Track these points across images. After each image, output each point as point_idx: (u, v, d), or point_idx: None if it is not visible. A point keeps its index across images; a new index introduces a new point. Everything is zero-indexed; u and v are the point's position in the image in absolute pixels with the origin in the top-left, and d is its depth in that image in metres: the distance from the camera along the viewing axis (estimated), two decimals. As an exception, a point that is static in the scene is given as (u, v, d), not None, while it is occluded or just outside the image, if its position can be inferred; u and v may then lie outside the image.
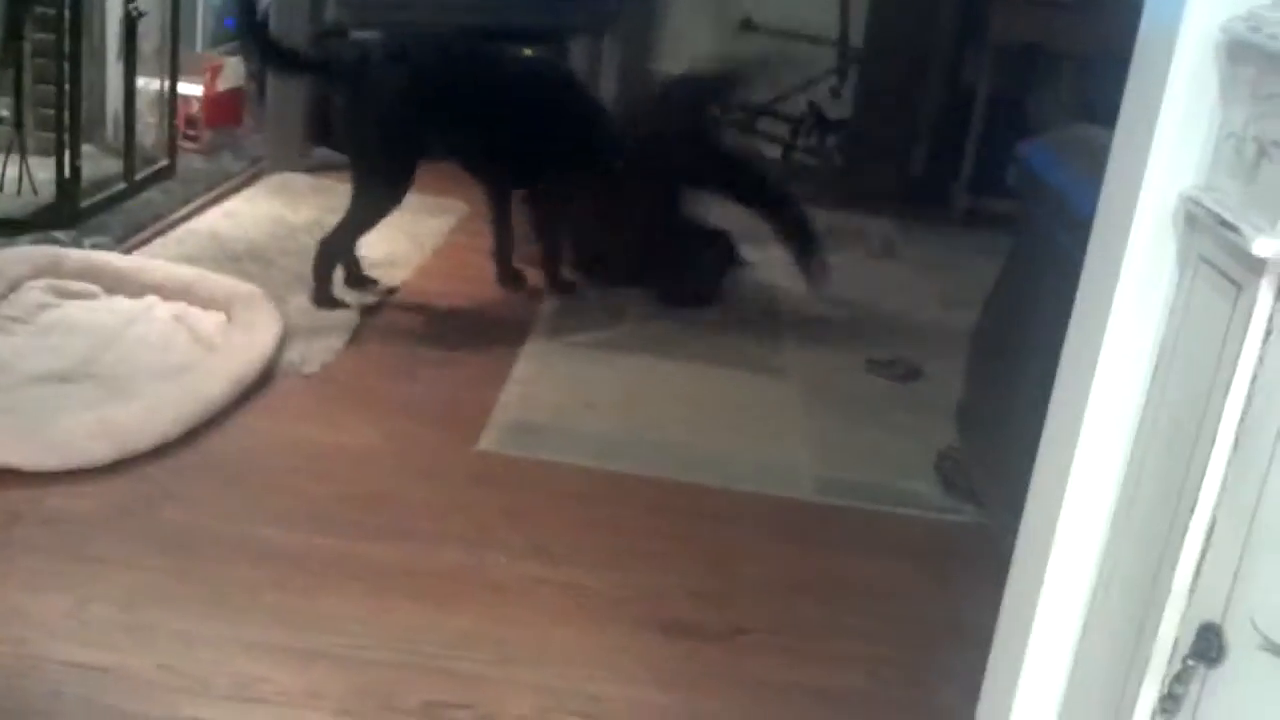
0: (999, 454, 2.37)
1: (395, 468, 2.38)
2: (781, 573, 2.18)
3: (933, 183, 4.75)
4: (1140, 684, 1.19)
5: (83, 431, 2.21)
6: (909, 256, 4.14)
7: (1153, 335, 1.28)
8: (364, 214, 3.06)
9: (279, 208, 3.76)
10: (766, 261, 3.87)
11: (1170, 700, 1.16)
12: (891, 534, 2.36)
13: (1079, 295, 1.40)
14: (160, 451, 2.29)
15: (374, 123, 3.02)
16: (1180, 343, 1.24)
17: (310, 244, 3.41)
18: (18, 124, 3.30)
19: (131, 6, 3.47)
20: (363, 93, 3.03)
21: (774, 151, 5.03)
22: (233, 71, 4.22)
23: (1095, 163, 1.91)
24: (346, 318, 2.98)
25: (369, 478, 2.33)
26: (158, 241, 3.35)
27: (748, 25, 4.89)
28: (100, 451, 2.20)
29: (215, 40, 4.54)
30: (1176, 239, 1.23)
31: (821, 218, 4.39)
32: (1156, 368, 1.29)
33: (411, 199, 3.15)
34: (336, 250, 3.09)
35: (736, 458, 2.57)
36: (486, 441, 2.51)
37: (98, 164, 3.60)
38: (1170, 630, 1.17)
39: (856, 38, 4.87)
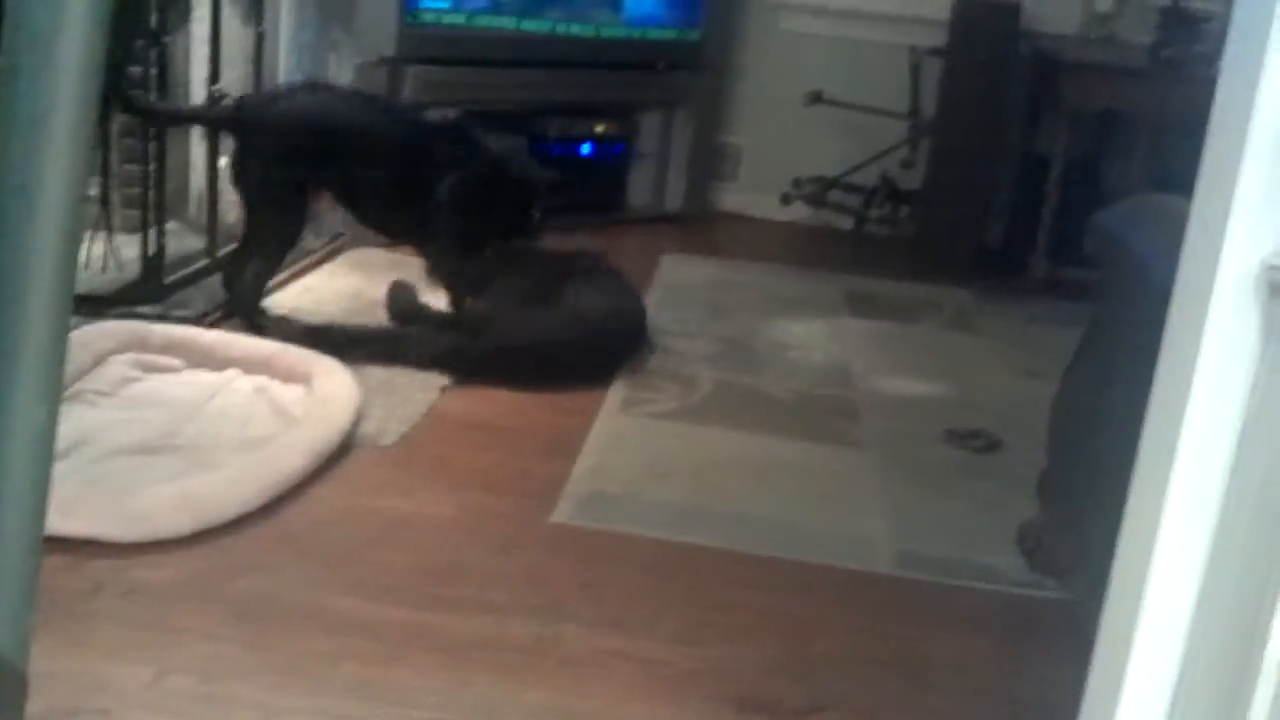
0: (1082, 527, 2.33)
1: (470, 539, 2.39)
2: (860, 648, 2.15)
3: (1009, 252, 4.72)
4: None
5: (164, 504, 2.25)
6: (985, 328, 4.11)
7: (1236, 406, 1.26)
8: (264, 252, 3.31)
9: (357, 282, 3.82)
10: (839, 332, 3.87)
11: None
12: (972, 609, 2.32)
13: (1159, 367, 1.38)
14: (239, 523, 2.31)
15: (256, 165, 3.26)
16: (1265, 413, 1.22)
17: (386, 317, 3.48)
18: (104, 202, 3.39)
19: (214, 89, 3.56)
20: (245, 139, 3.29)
21: (846, 222, 5.03)
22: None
23: (1173, 231, 1.89)
24: (423, 391, 3.01)
25: (444, 549, 2.34)
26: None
27: (818, 98, 4.91)
28: (181, 523, 2.23)
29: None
30: (1259, 308, 1.21)
31: (896, 289, 4.41)
32: (1241, 438, 1.26)
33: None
34: (244, 292, 3.30)
35: (813, 530, 2.55)
36: (561, 513, 2.51)
37: (182, 241, 3.69)
38: (1263, 709, 1.13)
39: (928, 109, 4.87)
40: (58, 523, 2.16)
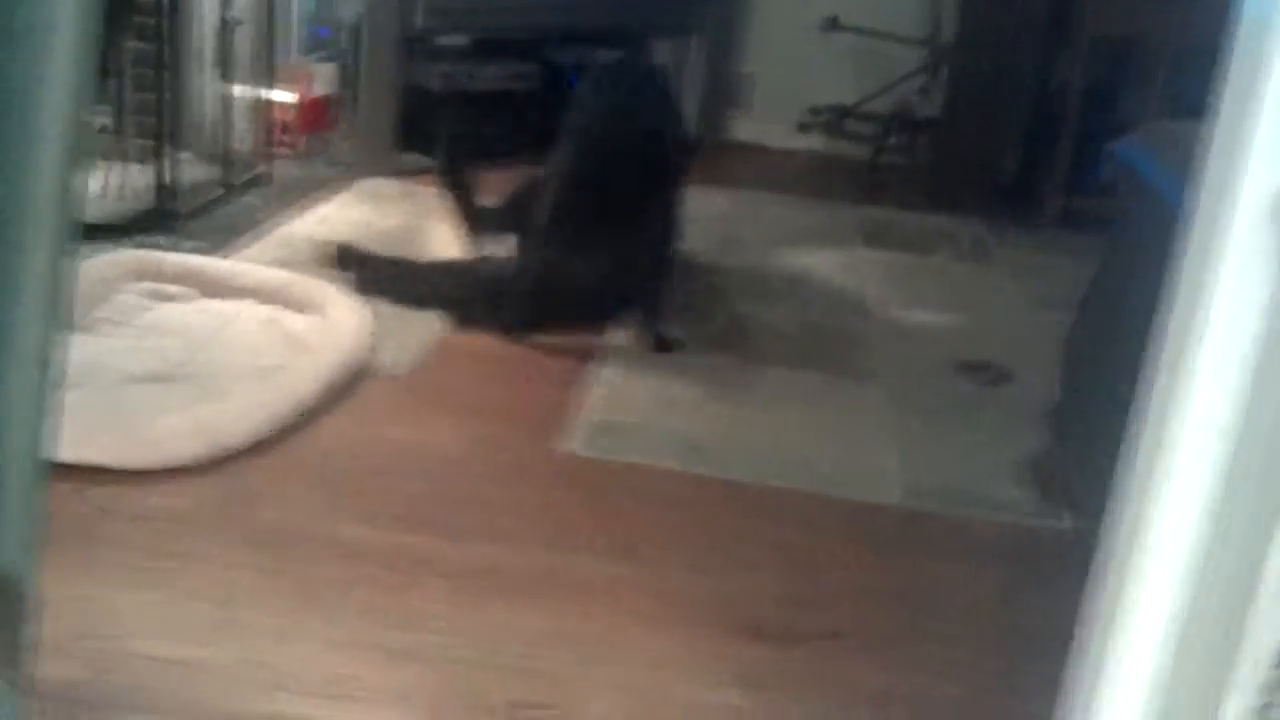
0: (1095, 459, 2.32)
1: (481, 468, 2.39)
2: (871, 579, 2.16)
3: (1024, 182, 4.67)
4: (1230, 693, 1.16)
5: (177, 431, 2.25)
6: (1000, 258, 4.08)
7: (1251, 335, 1.24)
8: None
9: (369, 213, 3.80)
10: (853, 264, 3.85)
11: (1263, 711, 1.12)
12: (985, 540, 2.32)
13: (1172, 291, 1.36)
14: (252, 451, 2.32)
15: None
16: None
17: (398, 246, 3.47)
18: (116, 130, 3.38)
19: (228, 15, 3.53)
20: None
21: (862, 152, 4.98)
22: (325, 79, 4.28)
23: (1190, 157, 1.86)
24: (436, 321, 3.01)
25: (455, 478, 2.35)
26: (254, 246, 3.40)
27: (834, 24, 4.85)
28: (194, 450, 2.24)
29: (308, 48, 4.60)
30: (1277, 235, 1.19)
31: (910, 220, 4.38)
32: (1256, 369, 1.25)
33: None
34: None
35: (824, 462, 2.54)
36: (571, 443, 2.51)
37: (195, 170, 3.68)
38: (1267, 635, 1.13)
39: (946, 35, 4.81)
40: (70, 450, 2.17)
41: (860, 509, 2.39)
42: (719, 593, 2.05)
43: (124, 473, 2.19)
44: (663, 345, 3.05)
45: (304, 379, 2.50)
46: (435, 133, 4.31)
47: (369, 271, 3.18)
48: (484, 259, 3.28)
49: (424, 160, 4.31)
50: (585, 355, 2.96)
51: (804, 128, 4.98)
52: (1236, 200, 1.21)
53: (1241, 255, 1.21)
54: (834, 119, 5.00)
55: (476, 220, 3.34)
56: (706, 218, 4.12)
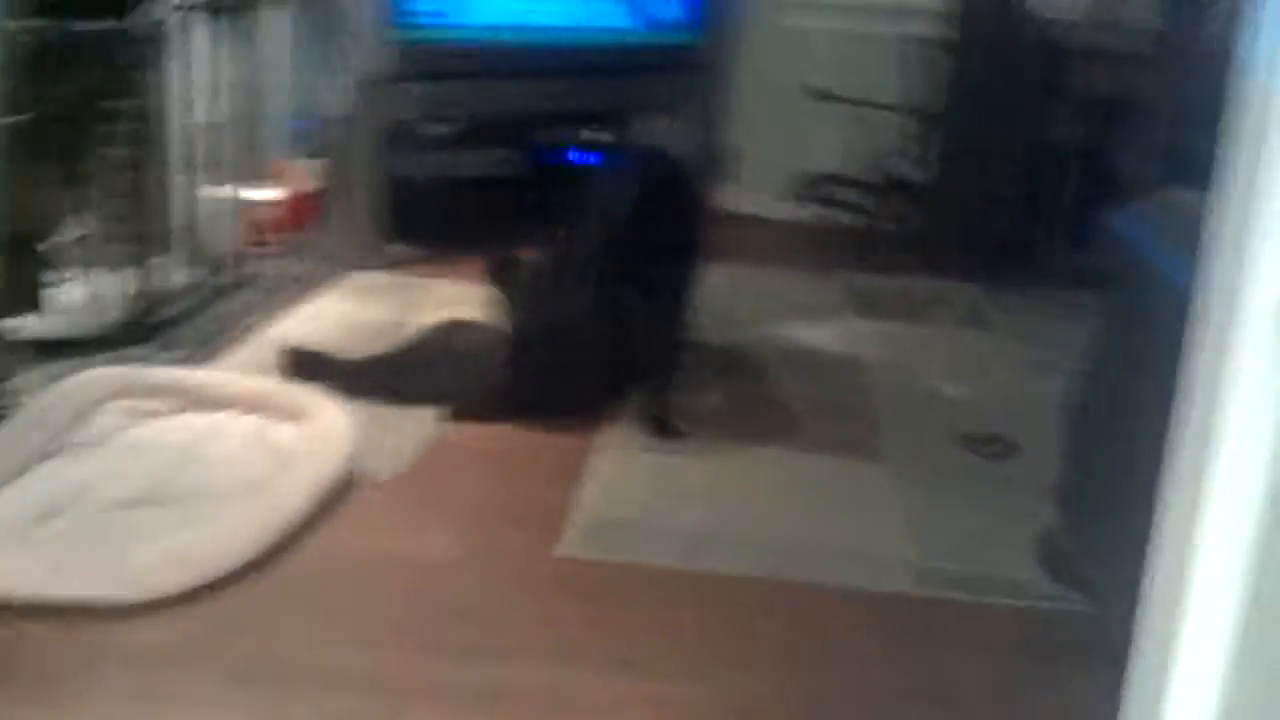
0: (1105, 537, 2.24)
1: (475, 579, 2.31)
2: (885, 676, 2.07)
3: (1020, 244, 4.61)
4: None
5: (159, 561, 2.18)
6: (999, 323, 4.01)
7: (1272, 419, 1.18)
8: None
9: (355, 309, 3.74)
10: (850, 335, 3.79)
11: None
12: (998, 628, 2.24)
13: (1186, 385, 1.29)
14: (237, 575, 2.24)
15: None
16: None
17: (385, 344, 3.40)
18: (89, 240, 3.31)
19: (206, 120, 3.50)
20: None
21: (854, 220, 4.94)
22: (309, 174, 4.24)
23: (1190, 234, 1.80)
24: (420, 421, 2.94)
25: (449, 591, 2.26)
26: (235, 352, 3.33)
27: (823, 95, 4.83)
28: (177, 581, 2.16)
29: (292, 142, 4.58)
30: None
31: (906, 287, 4.32)
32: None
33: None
34: None
35: (830, 549, 2.46)
36: (568, 545, 2.43)
37: (177, 275, 3.61)
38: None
39: (934, 101, 4.78)
40: (51, 586, 2.10)
41: (870, 599, 2.30)
42: (723, 703, 1.96)
43: (107, 609, 2.10)
44: (665, 430, 2.99)
45: (290, 496, 2.43)
46: (424, 224, 4.29)
47: (337, 375, 3.08)
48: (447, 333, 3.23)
49: (412, 251, 4.27)
50: (580, 445, 2.88)
51: (795, 198, 4.94)
52: (1245, 294, 1.14)
53: (1253, 358, 1.14)
54: (825, 188, 4.95)
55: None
56: (699, 293, 4.06)
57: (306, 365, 3.14)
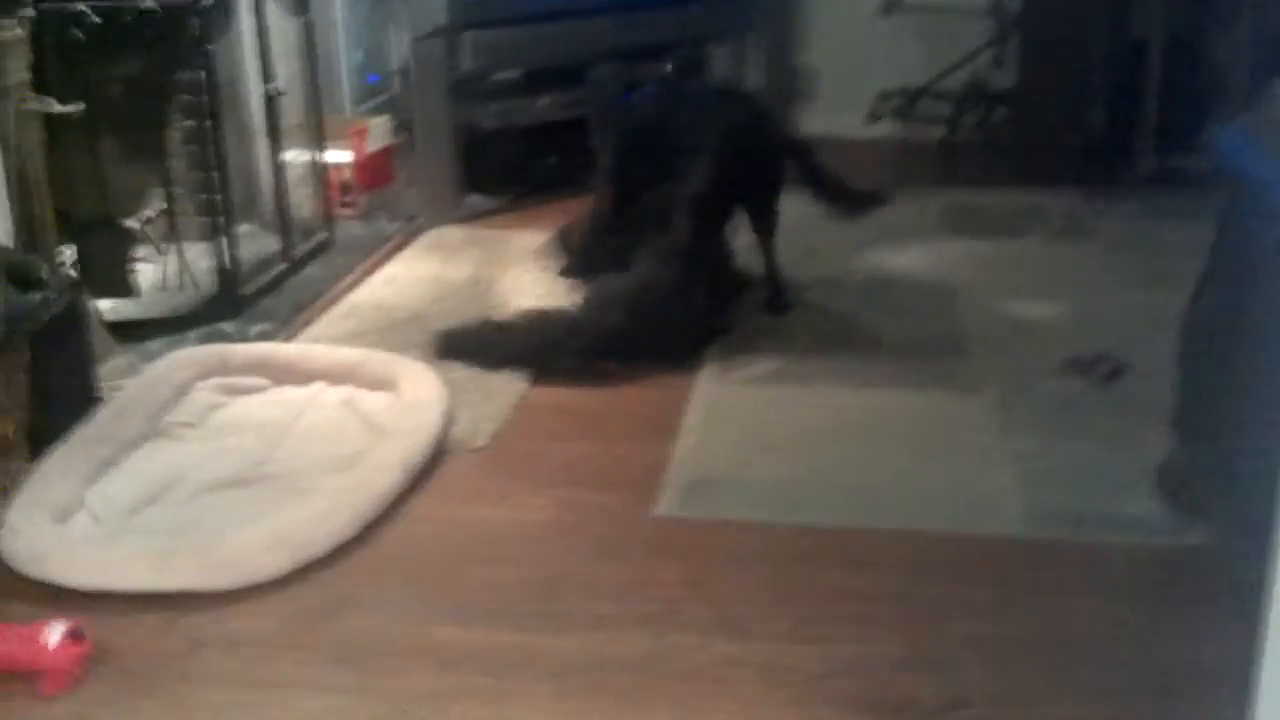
0: (1227, 463, 2.15)
1: (572, 544, 2.29)
2: (998, 627, 2.00)
3: (1113, 146, 4.44)
4: None
5: (257, 545, 2.18)
6: (1097, 232, 3.87)
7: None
8: None
9: (437, 266, 3.72)
10: (942, 257, 3.68)
11: None
12: (1115, 567, 2.16)
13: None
14: (336, 554, 2.24)
15: None
16: None
17: (467, 303, 3.38)
18: (170, 214, 3.31)
19: (270, 87, 3.47)
20: None
21: (938, 133, 4.79)
22: (380, 130, 4.21)
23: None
24: (511, 382, 2.91)
25: (546, 558, 2.24)
26: (323, 319, 3.34)
27: (894, 5, 4.67)
28: (276, 564, 2.16)
29: (361, 98, 4.55)
30: None
31: (998, 200, 4.18)
32: None
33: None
34: None
35: (933, 494, 2.39)
36: (664, 505, 2.39)
37: (258, 243, 3.61)
38: None
39: (1012, 4, 4.60)
40: (152, 578, 2.12)
41: (978, 544, 2.24)
42: (831, 663, 1.91)
43: (209, 595, 2.12)
44: (779, 306, 3.29)
45: (383, 469, 2.42)
46: (496, 173, 4.24)
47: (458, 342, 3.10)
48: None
49: (488, 202, 4.23)
50: (670, 400, 2.84)
51: (875, 116, 4.80)
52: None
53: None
54: (905, 102, 4.81)
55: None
56: (783, 228, 3.98)
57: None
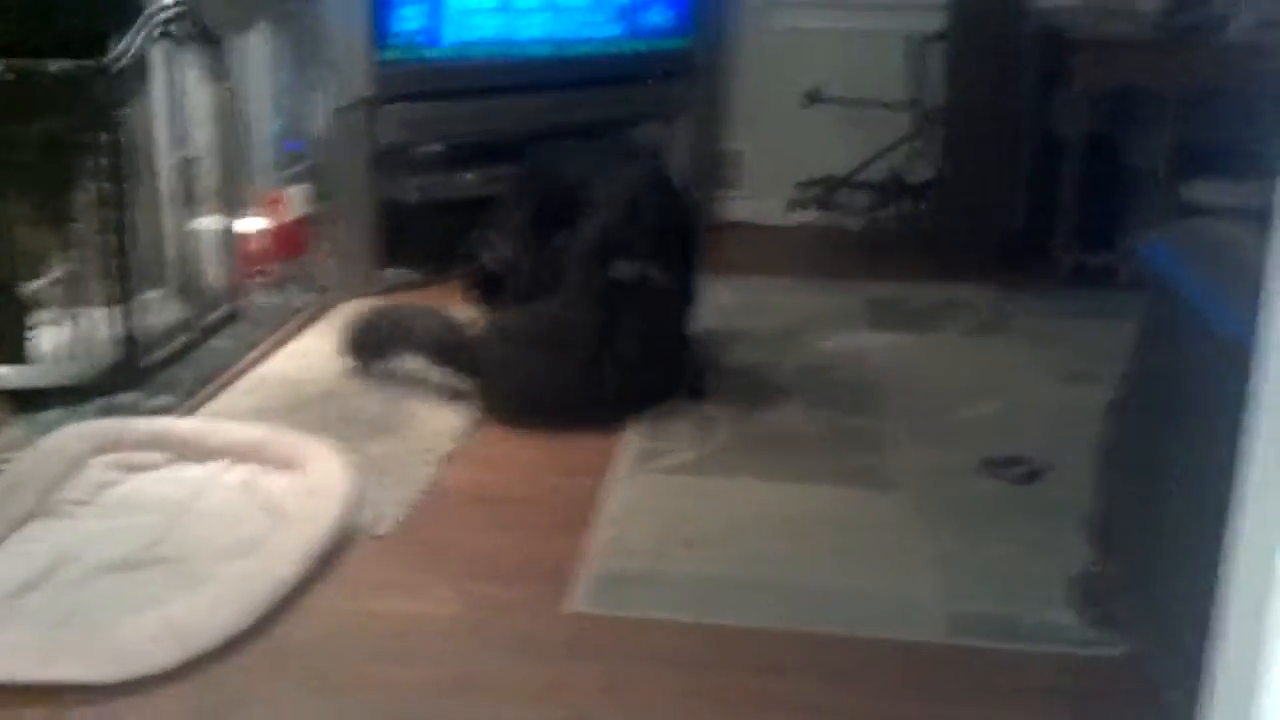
0: (1146, 578, 2.13)
1: (482, 642, 2.20)
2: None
3: (1032, 242, 4.49)
4: None
5: (146, 635, 2.06)
6: (1016, 328, 3.88)
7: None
8: None
9: (349, 341, 3.62)
10: (861, 350, 3.66)
11: None
12: (1035, 677, 2.12)
13: (1249, 444, 1.17)
14: (230, 647, 2.12)
15: None
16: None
17: (382, 379, 3.30)
18: (71, 281, 3.18)
19: (183, 154, 3.38)
20: None
21: (858, 223, 4.81)
22: (297, 201, 4.12)
23: (1229, 268, 1.69)
24: (422, 465, 2.82)
25: (455, 657, 2.15)
26: (227, 394, 3.22)
27: (815, 97, 4.71)
28: (166, 656, 2.05)
29: (279, 166, 4.45)
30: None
31: (917, 293, 4.19)
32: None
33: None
34: None
35: (854, 595, 2.34)
36: (578, 600, 2.31)
37: (164, 312, 3.48)
38: None
39: (933, 97, 4.65)
40: (36, 670, 2.00)
41: (899, 649, 2.19)
42: (753, 778, 1.85)
43: (97, 688, 1.99)
44: (696, 392, 3.26)
45: (283, 558, 2.31)
46: (416, 247, 4.16)
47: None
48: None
49: (406, 275, 4.15)
50: (585, 487, 2.76)
51: (796, 203, 4.82)
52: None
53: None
54: (825, 192, 4.83)
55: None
56: (705, 308, 3.94)
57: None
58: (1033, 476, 2.82)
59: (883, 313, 4.00)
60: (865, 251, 4.71)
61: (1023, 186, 4.60)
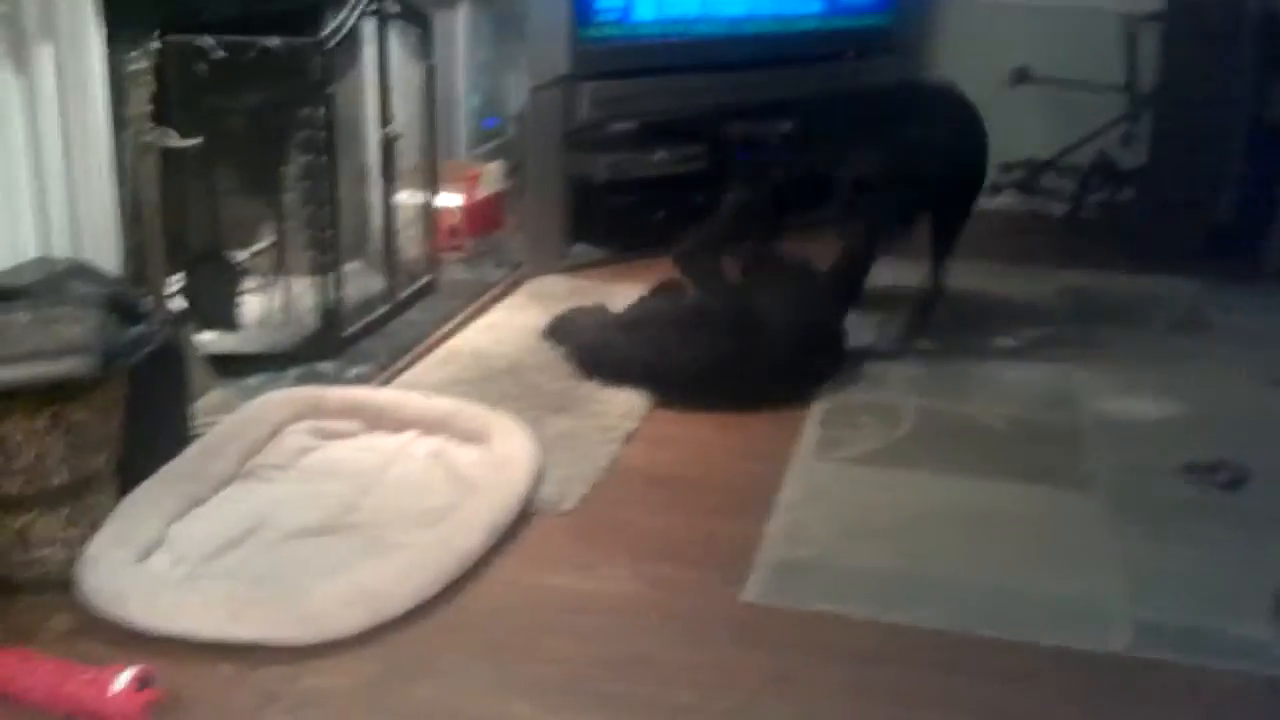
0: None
1: (655, 623, 2.21)
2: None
3: (1242, 235, 4.28)
4: None
5: (337, 600, 2.14)
6: (1222, 326, 3.72)
7: None
8: None
9: (538, 316, 3.68)
10: (1058, 342, 3.55)
11: None
12: (1226, 696, 2.03)
13: None
14: (415, 613, 2.19)
15: None
16: None
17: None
18: (280, 248, 3.31)
19: (388, 129, 3.48)
20: None
21: (1060, 210, 4.66)
22: (492, 177, 4.20)
23: None
24: (604, 444, 2.86)
25: (627, 636, 2.17)
26: (420, 364, 3.32)
27: (1024, 76, 4.57)
28: (354, 621, 2.12)
29: (476, 142, 4.56)
30: None
31: (1118, 284, 4.04)
32: None
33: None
34: None
35: (1037, 599, 2.28)
36: (752, 589, 2.31)
37: (363, 282, 3.61)
38: None
39: (1146, 80, 4.47)
40: (226, 627, 2.09)
41: (1082, 659, 2.12)
42: (920, 779, 1.82)
43: (285, 649, 2.08)
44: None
45: (469, 528, 2.37)
46: (604, 224, 4.21)
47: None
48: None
49: (594, 252, 4.20)
50: (769, 471, 2.76)
51: (997, 186, 4.69)
52: None
53: None
54: (1028, 175, 4.69)
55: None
56: (894, 295, 3.88)
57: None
58: (1236, 483, 2.70)
59: (1081, 304, 3.89)
60: (1067, 239, 4.57)
61: (1235, 177, 4.39)
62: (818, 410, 3.08)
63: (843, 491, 2.69)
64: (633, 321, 3.30)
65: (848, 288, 3.46)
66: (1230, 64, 4.24)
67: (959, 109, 3.53)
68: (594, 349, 3.26)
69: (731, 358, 3.08)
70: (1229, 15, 4.19)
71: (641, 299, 3.45)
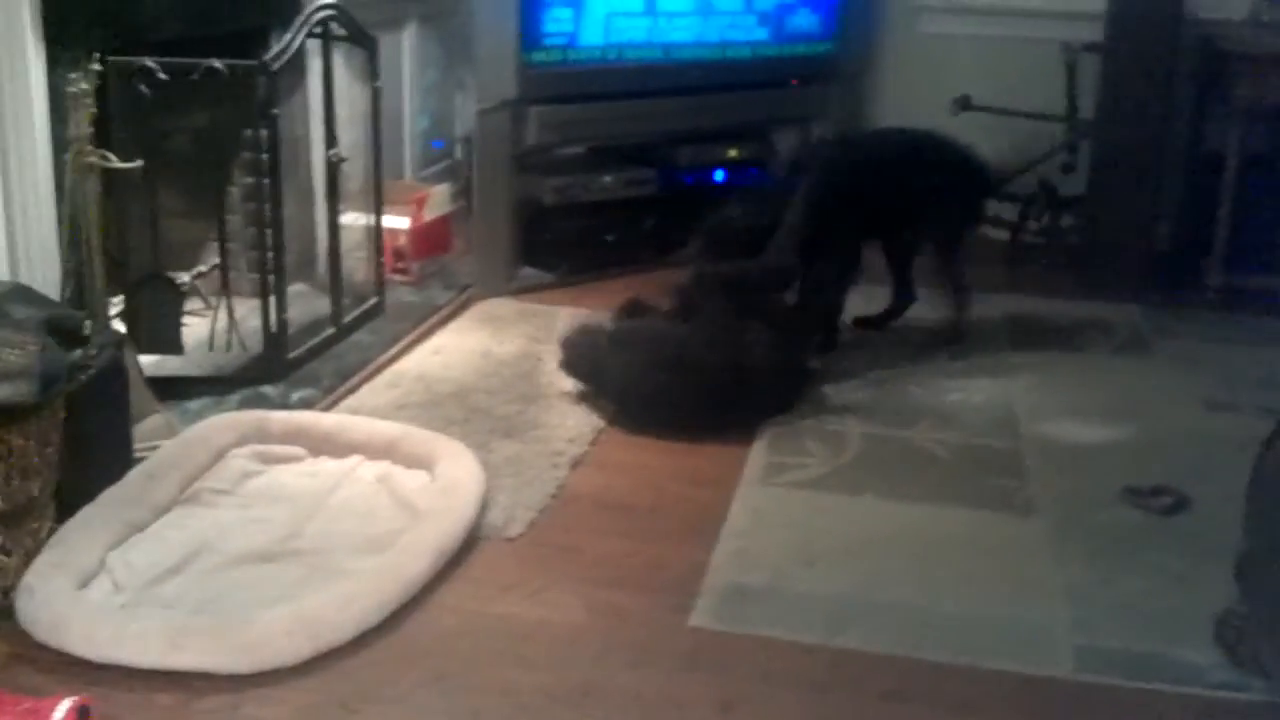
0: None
1: (602, 651, 2.20)
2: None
3: (1182, 261, 4.35)
4: None
5: (278, 629, 2.11)
6: (1162, 350, 3.77)
7: None
8: None
9: (486, 339, 3.67)
10: (998, 367, 3.59)
11: None
12: (1167, 719, 2.05)
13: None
14: (357, 642, 2.17)
15: None
16: None
17: (514, 379, 3.33)
18: (223, 270, 3.27)
19: (332, 153, 3.45)
20: None
21: (1001, 236, 4.71)
22: (440, 199, 4.19)
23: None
24: (552, 469, 2.85)
25: (575, 664, 2.16)
26: (367, 388, 3.30)
27: (966, 104, 4.61)
28: (296, 649, 2.10)
29: (423, 164, 4.54)
30: None
31: (1059, 310, 4.09)
32: None
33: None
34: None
35: (981, 623, 2.29)
36: (700, 614, 2.30)
37: (311, 304, 3.58)
38: None
39: (1086, 108, 4.54)
40: (166, 656, 2.06)
41: (1028, 684, 2.13)
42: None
43: (225, 678, 2.05)
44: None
45: (414, 555, 2.35)
46: (551, 248, 4.20)
47: None
48: None
49: (542, 276, 4.19)
50: (715, 497, 2.76)
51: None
52: None
53: None
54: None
55: None
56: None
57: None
58: (1174, 509, 2.73)
59: (1023, 329, 3.92)
60: (1009, 264, 4.62)
61: (1174, 205, 4.46)
62: (764, 436, 3.09)
63: (790, 517, 2.70)
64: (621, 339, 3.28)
65: (812, 324, 3.54)
66: (1168, 94, 4.30)
67: (910, 149, 3.73)
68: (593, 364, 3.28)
69: (706, 388, 3.09)
70: (1167, 46, 4.25)
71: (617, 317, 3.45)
